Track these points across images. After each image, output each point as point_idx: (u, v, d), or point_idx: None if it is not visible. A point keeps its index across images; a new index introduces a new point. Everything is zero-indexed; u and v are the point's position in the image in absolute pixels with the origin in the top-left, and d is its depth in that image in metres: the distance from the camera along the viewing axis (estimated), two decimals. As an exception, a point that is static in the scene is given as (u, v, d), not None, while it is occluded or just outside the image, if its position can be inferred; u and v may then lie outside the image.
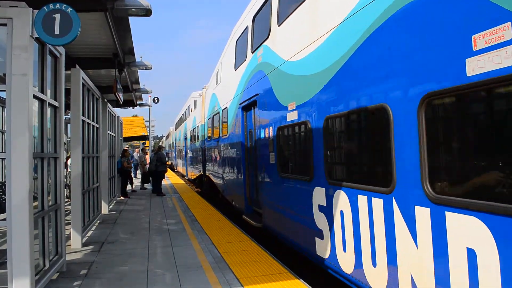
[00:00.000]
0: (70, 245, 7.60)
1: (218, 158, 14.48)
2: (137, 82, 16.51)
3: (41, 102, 5.40)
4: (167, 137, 59.42)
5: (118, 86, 11.53)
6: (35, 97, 4.95)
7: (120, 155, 16.95)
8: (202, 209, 13.08)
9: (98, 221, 10.39)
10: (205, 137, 17.89)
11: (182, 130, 30.67)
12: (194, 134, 22.23)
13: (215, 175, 15.49)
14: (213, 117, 15.59)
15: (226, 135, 12.69)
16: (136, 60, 11.91)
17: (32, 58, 4.74)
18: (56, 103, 5.98)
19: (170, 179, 27.78)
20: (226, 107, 12.55)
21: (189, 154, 25.62)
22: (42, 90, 5.40)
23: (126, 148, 19.06)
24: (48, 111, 5.73)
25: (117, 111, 18.96)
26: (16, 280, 4.37)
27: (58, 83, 6.15)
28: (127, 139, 32.16)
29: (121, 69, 11.52)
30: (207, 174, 17.62)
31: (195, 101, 22.18)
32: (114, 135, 14.91)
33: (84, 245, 7.83)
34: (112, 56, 10.59)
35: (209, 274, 6.12)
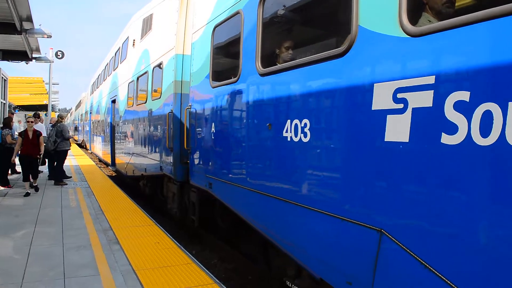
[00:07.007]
0: None
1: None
2: (28, 19, 11.19)
3: None
4: (78, 106, 49.74)
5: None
6: None
7: (1, 126, 11.68)
8: (123, 211, 8.51)
9: None
10: (199, 80, 6.79)
11: (107, 89, 18.50)
12: (142, 86, 11.08)
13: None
14: None
15: None
16: None
17: None
18: None
19: (75, 157, 22.22)
20: None
21: (124, 128, 13.79)
22: None
23: (11, 115, 13.41)
24: None
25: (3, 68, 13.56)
26: None
27: None
28: (22, 108, 25.75)
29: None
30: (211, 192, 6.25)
31: (147, 19, 10.75)
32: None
33: None
34: None
35: None
